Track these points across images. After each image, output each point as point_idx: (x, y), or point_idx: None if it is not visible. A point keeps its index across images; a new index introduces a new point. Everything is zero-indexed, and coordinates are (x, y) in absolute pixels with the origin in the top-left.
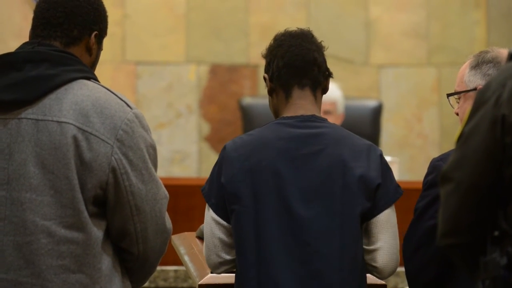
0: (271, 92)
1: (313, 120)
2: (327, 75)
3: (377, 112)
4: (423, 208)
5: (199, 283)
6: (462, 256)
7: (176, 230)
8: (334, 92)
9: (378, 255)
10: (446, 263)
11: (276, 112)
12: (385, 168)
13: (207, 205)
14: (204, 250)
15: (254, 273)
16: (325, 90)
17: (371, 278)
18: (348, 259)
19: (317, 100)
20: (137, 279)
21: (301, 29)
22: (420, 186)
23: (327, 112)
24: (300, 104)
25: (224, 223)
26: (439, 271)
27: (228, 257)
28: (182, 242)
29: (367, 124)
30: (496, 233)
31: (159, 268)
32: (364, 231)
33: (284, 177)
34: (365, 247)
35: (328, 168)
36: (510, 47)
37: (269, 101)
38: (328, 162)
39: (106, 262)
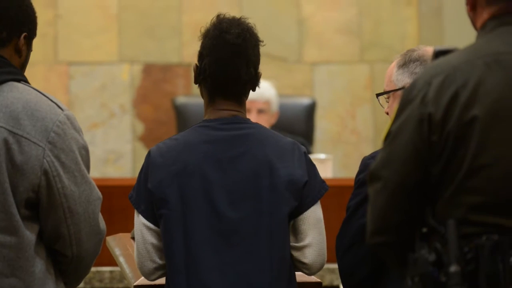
0: (196, 82)
1: (236, 122)
2: (256, 80)
3: (310, 110)
4: (355, 206)
5: (135, 284)
6: (391, 254)
7: (112, 231)
8: (268, 90)
9: (307, 252)
10: (379, 261)
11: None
12: (310, 165)
13: (136, 212)
14: (136, 258)
15: (183, 277)
16: (253, 90)
17: (306, 276)
18: (277, 259)
19: (242, 103)
20: (71, 281)
21: (238, 33)
22: None
23: (261, 111)
24: (223, 109)
25: (155, 228)
26: (372, 268)
27: (162, 261)
28: (117, 243)
29: (301, 122)
30: (424, 229)
31: (94, 269)
32: (292, 228)
33: (211, 180)
34: (293, 244)
35: (254, 169)
36: (441, 43)
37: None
38: (254, 163)
39: (39, 265)
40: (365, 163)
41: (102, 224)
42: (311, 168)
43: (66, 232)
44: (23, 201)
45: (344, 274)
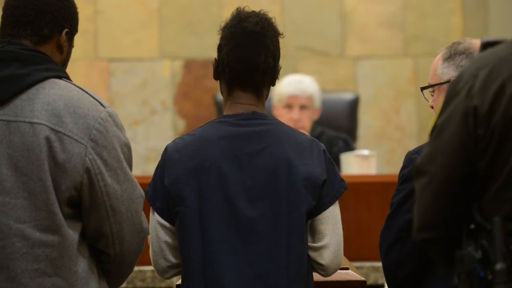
0: (216, 78)
1: (254, 117)
2: (275, 73)
3: (354, 105)
4: (399, 202)
5: (177, 283)
6: (438, 250)
7: None
8: (311, 86)
9: (325, 253)
10: (424, 257)
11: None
12: (329, 163)
13: (151, 209)
14: (151, 255)
15: (200, 275)
16: (272, 84)
17: (350, 275)
18: (295, 258)
19: (261, 97)
20: (114, 281)
21: (256, 20)
22: None
23: (304, 107)
24: (241, 104)
25: (170, 226)
26: (417, 265)
27: (175, 260)
28: None
29: (344, 117)
30: (472, 226)
31: (136, 268)
32: (310, 228)
33: (228, 177)
34: (310, 244)
35: (272, 166)
36: (487, 35)
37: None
38: (272, 160)
39: (82, 264)
40: (409, 158)
41: (145, 222)
42: (331, 166)
43: (109, 230)
44: (66, 199)
45: (388, 271)
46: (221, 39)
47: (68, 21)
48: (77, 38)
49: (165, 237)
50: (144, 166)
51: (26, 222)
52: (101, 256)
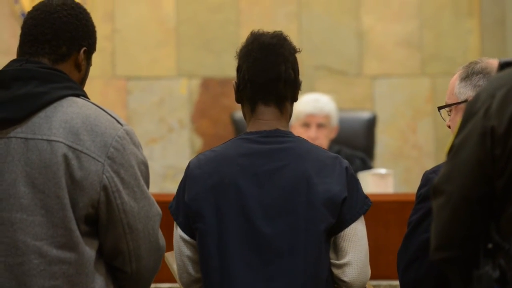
0: (238, 101)
1: (276, 135)
2: (296, 86)
3: (371, 124)
4: (417, 222)
5: None
6: (455, 270)
7: (171, 247)
8: (328, 104)
9: (347, 270)
10: (441, 277)
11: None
12: (352, 180)
13: (175, 224)
14: (176, 269)
15: None
16: (294, 99)
17: None
18: (312, 277)
19: (284, 113)
20: None
21: (272, 35)
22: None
23: (321, 125)
24: (264, 120)
25: (192, 241)
26: (434, 285)
27: (198, 275)
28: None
29: (362, 136)
30: (490, 245)
31: (153, 285)
32: (333, 245)
33: (247, 194)
34: (334, 261)
35: (291, 184)
36: (504, 55)
37: (241, 109)
38: (292, 178)
39: (99, 281)
40: (427, 177)
41: (162, 240)
42: (353, 183)
43: (126, 248)
44: (83, 217)
45: None
46: (239, 59)
47: (86, 39)
48: (94, 57)
49: (187, 251)
50: (161, 184)
51: (43, 239)
52: (118, 274)
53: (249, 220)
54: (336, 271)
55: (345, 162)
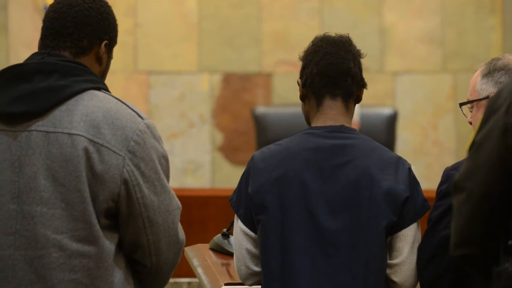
0: (303, 98)
1: (341, 131)
2: (362, 85)
3: (392, 120)
4: (437, 218)
5: None
6: (475, 266)
7: (189, 242)
8: None
9: (399, 270)
10: (461, 273)
11: (308, 119)
12: (414, 182)
13: (235, 216)
14: (234, 260)
15: (278, 284)
16: (358, 100)
17: None
18: (373, 272)
19: (349, 111)
20: None
21: (340, 35)
22: None
23: None
24: (330, 115)
25: (252, 234)
26: (454, 281)
27: (256, 268)
28: (196, 254)
29: (383, 132)
30: (510, 242)
31: (172, 280)
32: (388, 244)
33: (311, 188)
34: (387, 261)
35: (355, 180)
36: None
37: (302, 107)
38: (355, 174)
39: (118, 275)
40: (447, 174)
41: (182, 234)
42: (415, 185)
43: (146, 242)
44: (103, 210)
45: (425, 286)
46: (305, 59)
47: (107, 33)
48: (116, 51)
49: (247, 244)
50: (182, 179)
51: (64, 232)
52: (137, 267)
53: (312, 214)
54: (388, 270)
55: (408, 163)
